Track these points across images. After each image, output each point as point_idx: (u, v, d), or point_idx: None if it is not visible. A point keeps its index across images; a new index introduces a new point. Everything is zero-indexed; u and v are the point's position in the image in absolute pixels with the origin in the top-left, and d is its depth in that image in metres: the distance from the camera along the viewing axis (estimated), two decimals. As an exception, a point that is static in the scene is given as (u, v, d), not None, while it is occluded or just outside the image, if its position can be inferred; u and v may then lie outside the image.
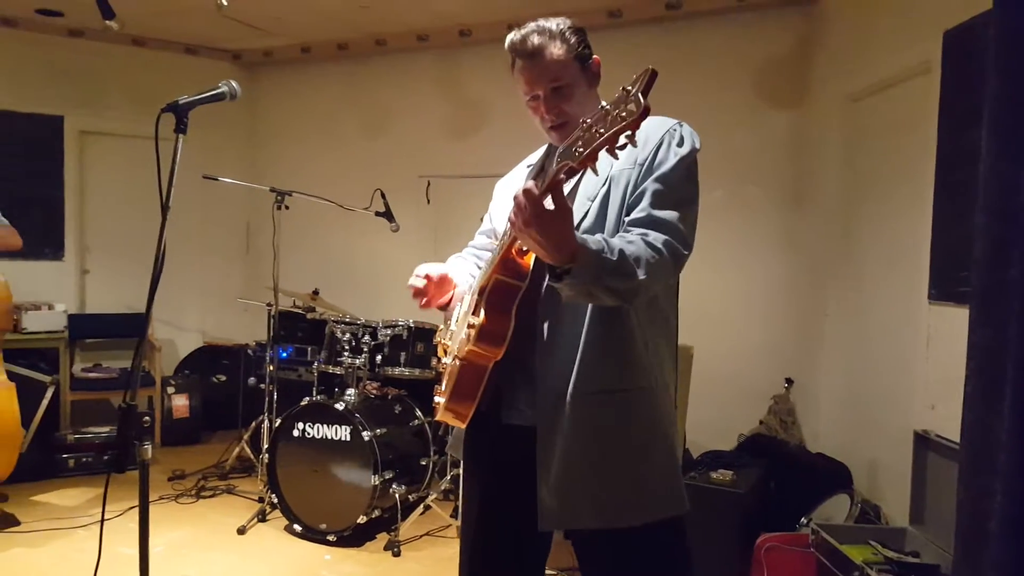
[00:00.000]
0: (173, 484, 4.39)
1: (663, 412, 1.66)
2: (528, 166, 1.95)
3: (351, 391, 3.86)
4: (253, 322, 5.50)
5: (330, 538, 3.59)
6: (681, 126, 1.65)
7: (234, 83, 1.95)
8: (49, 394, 4.68)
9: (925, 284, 3.00)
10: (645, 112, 1.19)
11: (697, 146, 1.63)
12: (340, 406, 3.62)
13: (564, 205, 1.34)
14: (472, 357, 1.60)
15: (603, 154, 1.27)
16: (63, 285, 5.53)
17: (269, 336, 4.28)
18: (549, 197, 1.34)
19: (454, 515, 3.76)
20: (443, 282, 1.83)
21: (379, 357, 3.97)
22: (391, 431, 3.75)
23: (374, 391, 4.04)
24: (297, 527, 3.67)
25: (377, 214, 4.18)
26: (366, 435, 3.52)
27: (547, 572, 3.32)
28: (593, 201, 1.63)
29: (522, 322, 1.60)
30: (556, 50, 1.67)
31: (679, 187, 1.58)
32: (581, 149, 1.26)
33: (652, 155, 1.60)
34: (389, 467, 3.59)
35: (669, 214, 1.54)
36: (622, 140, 1.23)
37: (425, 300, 1.81)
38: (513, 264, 1.59)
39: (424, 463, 3.96)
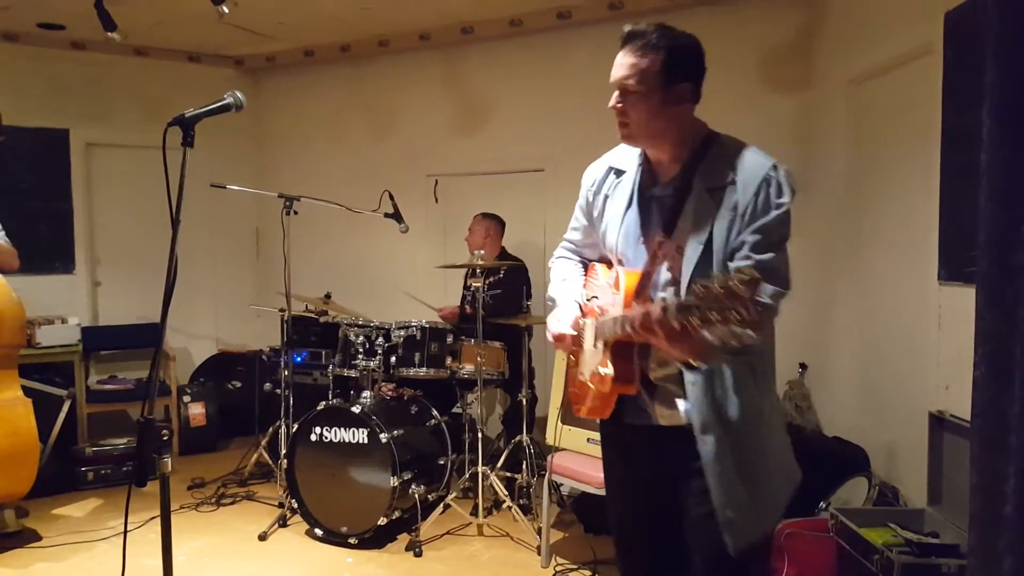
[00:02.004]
0: (193, 493, 4.42)
1: (778, 424, 1.85)
2: (616, 170, 1.96)
3: (367, 393, 3.87)
4: (266, 328, 5.52)
5: (351, 541, 3.61)
6: (776, 170, 1.70)
7: (239, 93, 1.96)
8: (65, 408, 4.72)
9: (935, 265, 2.98)
10: (754, 322, 1.31)
11: (794, 192, 1.71)
12: (356, 409, 3.64)
13: (686, 332, 1.43)
14: (611, 393, 1.79)
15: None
16: (75, 298, 5.57)
17: (283, 341, 4.30)
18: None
19: (474, 513, 3.78)
20: (575, 326, 1.93)
21: (393, 358, 3.99)
22: (408, 432, 3.76)
23: (390, 392, 4.05)
24: (318, 531, 3.69)
25: (386, 215, 4.19)
26: (383, 437, 3.54)
27: (567, 565, 3.33)
28: (701, 245, 1.71)
29: (644, 346, 1.72)
30: (646, 57, 1.71)
31: (774, 232, 1.67)
32: (698, 323, 1.38)
33: (751, 204, 1.67)
34: (407, 468, 3.60)
35: (770, 258, 1.65)
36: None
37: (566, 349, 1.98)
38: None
39: (442, 462, 3.97)
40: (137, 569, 3.13)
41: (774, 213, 1.67)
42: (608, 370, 1.75)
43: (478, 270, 3.84)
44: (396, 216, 4.21)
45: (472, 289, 3.87)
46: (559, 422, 3.32)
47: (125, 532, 2.00)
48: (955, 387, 2.83)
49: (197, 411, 5.35)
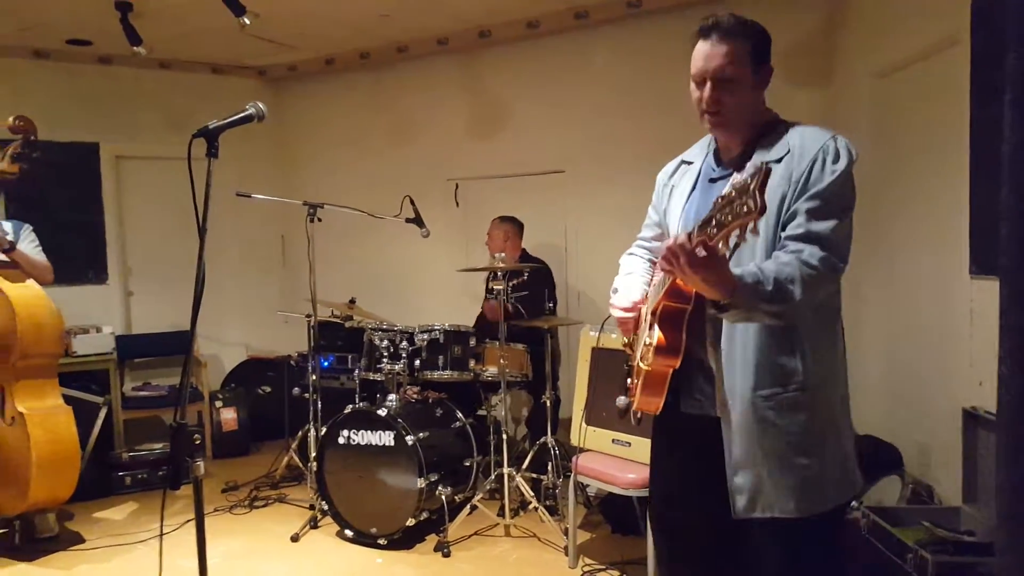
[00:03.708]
0: (227, 496, 4.50)
1: (833, 405, 1.78)
2: (685, 162, 2.01)
3: (392, 397, 3.91)
4: (294, 333, 5.58)
5: (381, 541, 3.64)
6: (835, 139, 1.70)
7: (260, 104, 2.00)
8: (102, 414, 4.83)
9: (965, 259, 2.94)
10: (762, 211, 1.31)
11: (854, 157, 1.69)
12: (382, 412, 3.68)
13: (714, 253, 1.47)
14: (655, 367, 1.78)
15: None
16: (109, 308, 5.69)
17: (310, 346, 4.36)
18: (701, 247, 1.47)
19: (500, 514, 3.80)
20: (635, 308, 1.98)
21: (417, 362, 4.02)
22: (434, 434, 3.79)
23: (415, 396, 4.08)
24: (348, 532, 3.73)
25: (407, 220, 4.22)
26: (409, 439, 3.57)
27: (595, 565, 3.34)
28: None
29: (698, 327, 1.77)
30: (738, 45, 1.74)
31: (834, 199, 1.65)
32: (715, 231, 1.41)
33: (807, 173, 1.67)
34: (434, 469, 3.63)
35: (825, 226, 1.63)
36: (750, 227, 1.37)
37: (630, 329, 2.01)
38: (678, 291, 1.73)
39: (468, 464, 3.99)
40: (174, 570, 3.18)
41: (829, 179, 1.65)
42: (653, 338, 1.75)
43: (500, 272, 3.85)
44: (417, 220, 4.24)
45: (495, 292, 3.89)
46: (583, 423, 3.32)
47: (161, 535, 2.05)
48: (989, 383, 2.79)
49: (229, 416, 5.44)
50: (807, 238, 1.63)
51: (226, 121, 1.94)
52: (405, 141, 5.84)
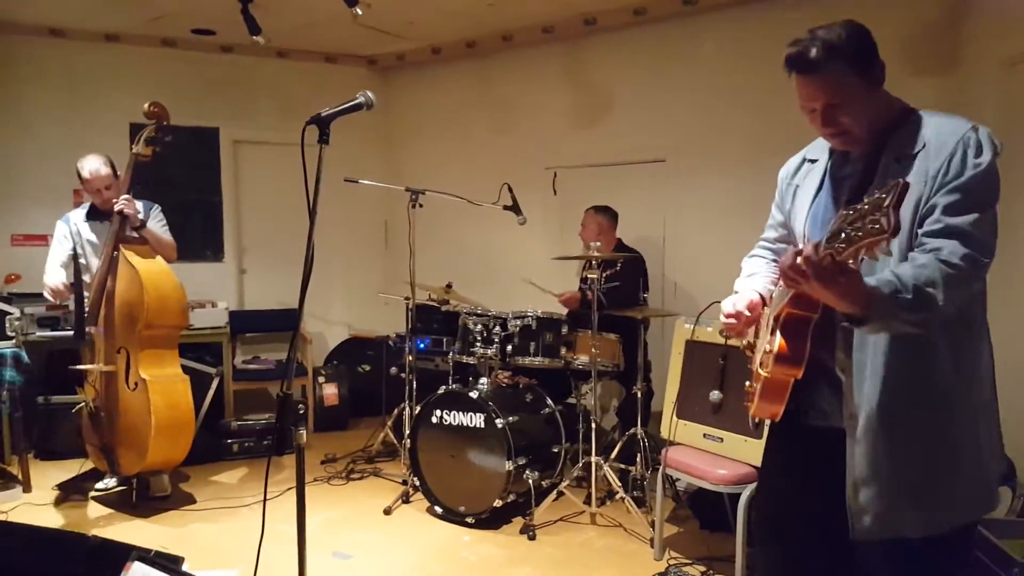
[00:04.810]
0: (325, 467, 4.71)
1: (973, 416, 1.66)
2: (809, 160, 1.91)
3: (484, 380, 3.99)
4: (393, 315, 5.77)
5: (468, 520, 3.74)
6: (976, 131, 1.58)
7: (370, 93, 2.08)
8: (215, 384, 5.16)
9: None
10: (895, 231, 1.23)
11: (998, 149, 1.58)
12: (474, 394, 3.76)
13: (844, 268, 1.37)
14: (775, 375, 1.69)
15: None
16: (224, 284, 6.04)
17: (407, 328, 4.50)
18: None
19: (587, 502, 3.81)
20: (753, 308, 1.86)
21: (509, 347, 4.08)
22: (523, 419, 3.85)
23: (506, 380, 4.15)
24: (438, 508, 3.85)
25: (505, 208, 4.27)
26: (499, 422, 3.64)
27: (681, 559, 3.31)
28: None
29: (826, 335, 1.67)
30: (834, 68, 1.62)
31: (974, 192, 1.54)
32: (843, 247, 1.32)
33: (944, 167, 1.55)
34: (522, 453, 3.69)
35: (964, 220, 1.52)
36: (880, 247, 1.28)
37: (737, 332, 1.90)
38: (804, 298, 1.62)
39: (556, 450, 4.03)
40: (275, 534, 3.35)
41: (970, 173, 1.53)
42: (774, 346, 1.65)
43: (594, 262, 3.85)
44: (515, 208, 4.29)
45: (588, 281, 3.89)
46: (674, 416, 3.29)
47: (264, 499, 2.17)
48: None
49: (331, 391, 5.68)
50: (946, 233, 1.52)
51: (337, 109, 2.03)
52: (506, 129, 5.90)
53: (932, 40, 4.10)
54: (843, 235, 1.31)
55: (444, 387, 3.92)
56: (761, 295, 1.89)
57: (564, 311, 4.49)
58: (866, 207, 1.28)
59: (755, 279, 1.97)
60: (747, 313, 1.84)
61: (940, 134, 1.59)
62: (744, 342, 1.97)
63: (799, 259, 1.41)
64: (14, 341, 4.38)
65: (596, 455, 3.76)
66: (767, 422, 1.96)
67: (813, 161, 1.88)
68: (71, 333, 3.90)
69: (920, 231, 1.56)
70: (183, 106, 5.72)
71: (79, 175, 3.94)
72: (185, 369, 4.08)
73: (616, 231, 4.70)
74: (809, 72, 1.63)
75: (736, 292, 1.96)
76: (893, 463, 1.62)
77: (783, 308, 1.65)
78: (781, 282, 1.65)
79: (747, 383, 1.90)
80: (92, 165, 3.92)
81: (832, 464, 1.70)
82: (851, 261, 1.34)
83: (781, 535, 1.95)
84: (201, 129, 5.99)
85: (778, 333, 1.65)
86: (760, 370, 1.74)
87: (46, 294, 3.87)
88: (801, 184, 1.89)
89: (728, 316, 1.86)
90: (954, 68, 4.04)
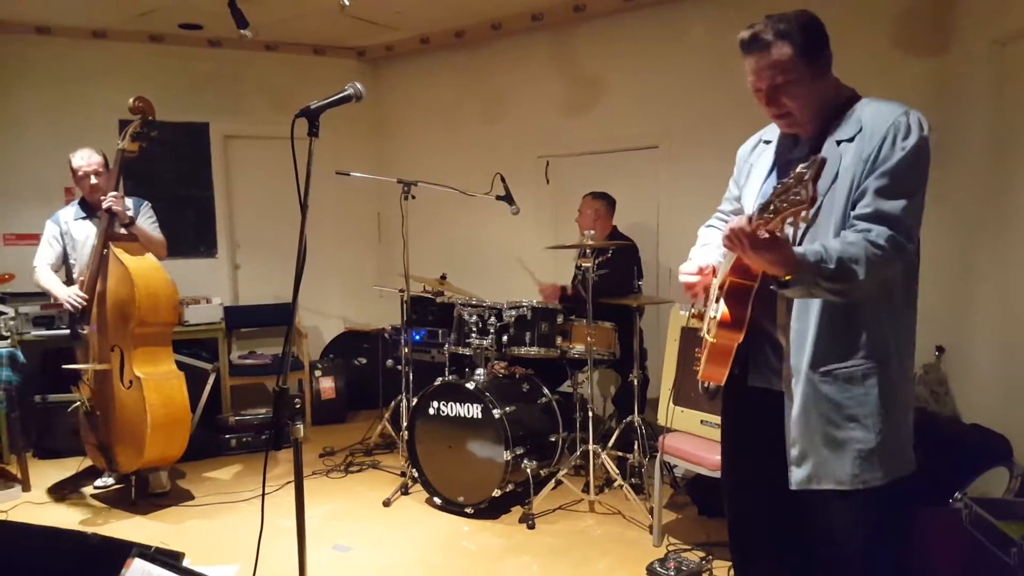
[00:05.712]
0: (324, 460, 4.72)
1: (894, 381, 1.78)
2: (764, 141, 2.04)
3: (480, 371, 3.99)
4: (388, 307, 5.76)
5: (467, 510, 3.75)
6: (907, 115, 1.70)
7: (359, 84, 2.07)
8: (211, 380, 5.15)
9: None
10: (812, 202, 1.39)
11: (925, 133, 1.69)
12: (471, 385, 3.76)
13: (774, 236, 1.54)
14: (719, 340, 1.86)
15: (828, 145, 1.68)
16: (218, 280, 6.02)
17: (403, 320, 4.49)
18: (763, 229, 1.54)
19: (585, 490, 3.83)
20: (704, 271, 2.02)
21: (505, 337, 4.08)
22: (520, 408, 3.85)
23: (502, 371, 4.15)
24: (437, 500, 3.86)
25: (498, 198, 4.27)
26: (496, 413, 3.64)
27: (680, 545, 3.32)
28: (824, 195, 1.72)
29: (770, 304, 1.82)
30: (781, 50, 1.73)
31: (904, 177, 1.67)
32: (771, 216, 1.49)
33: (876, 151, 1.67)
34: (520, 443, 3.70)
35: (893, 205, 1.65)
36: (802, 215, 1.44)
37: (695, 293, 2.05)
38: (744, 268, 1.80)
39: (553, 439, 4.04)
40: (274, 529, 3.36)
41: (898, 156, 1.65)
42: (718, 312, 1.81)
43: (587, 250, 3.85)
44: (508, 198, 4.28)
45: (582, 269, 3.89)
46: (671, 403, 3.30)
47: (263, 494, 2.17)
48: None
49: (327, 385, 5.68)
50: (875, 218, 1.65)
51: (326, 101, 2.02)
52: (497, 119, 5.87)
53: (924, 19, 4.09)
54: (771, 207, 1.48)
55: (441, 378, 3.92)
56: (713, 266, 2.04)
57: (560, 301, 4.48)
58: (791, 181, 1.42)
59: (708, 248, 2.11)
60: (695, 278, 2.01)
61: (875, 119, 1.70)
62: (693, 310, 2.12)
63: (736, 227, 1.59)
64: (9, 340, 4.37)
65: (593, 443, 3.76)
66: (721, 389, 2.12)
67: (768, 142, 2.00)
68: (67, 332, 3.91)
69: (852, 213, 1.68)
70: (172, 102, 5.70)
71: (70, 166, 3.94)
72: (181, 366, 4.07)
73: (613, 218, 4.68)
74: (757, 51, 1.75)
75: (690, 259, 2.10)
76: (820, 422, 1.77)
77: (726, 277, 1.81)
78: (726, 253, 1.82)
79: (695, 349, 2.06)
80: (82, 153, 3.95)
81: (775, 424, 1.86)
82: (777, 230, 1.51)
83: (735, 488, 2.13)
84: (191, 124, 5.95)
85: (722, 301, 1.81)
86: (707, 336, 1.89)
87: (66, 305, 3.88)
88: (755, 163, 2.01)
89: (690, 274, 2.01)
90: (946, 48, 4.03)
